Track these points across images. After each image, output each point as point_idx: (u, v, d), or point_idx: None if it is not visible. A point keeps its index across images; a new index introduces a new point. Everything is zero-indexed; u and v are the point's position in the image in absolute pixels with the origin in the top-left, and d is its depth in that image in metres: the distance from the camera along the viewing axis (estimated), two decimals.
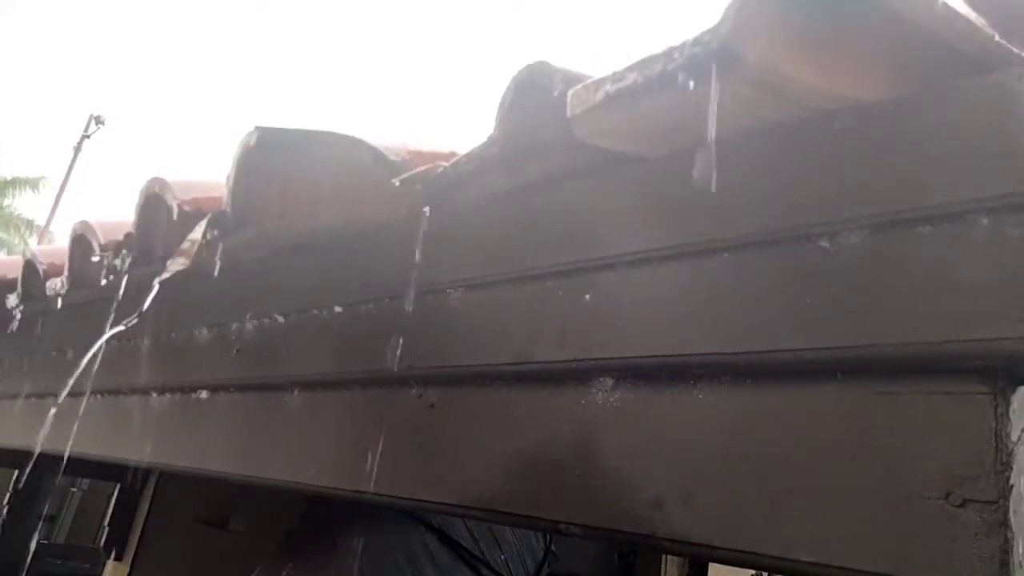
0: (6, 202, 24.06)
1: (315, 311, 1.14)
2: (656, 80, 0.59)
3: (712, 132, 0.62)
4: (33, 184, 24.21)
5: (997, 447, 0.49)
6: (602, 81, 0.63)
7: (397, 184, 0.79)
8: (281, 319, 1.19)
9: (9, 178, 24.53)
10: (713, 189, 0.66)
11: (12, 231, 23.29)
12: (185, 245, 0.93)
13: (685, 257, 0.70)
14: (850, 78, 0.59)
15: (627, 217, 0.76)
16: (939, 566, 0.50)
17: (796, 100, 0.60)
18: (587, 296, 0.78)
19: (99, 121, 22.61)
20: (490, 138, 0.76)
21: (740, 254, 0.67)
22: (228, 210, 0.86)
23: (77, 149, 21.89)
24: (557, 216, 0.81)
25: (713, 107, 0.59)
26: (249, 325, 1.26)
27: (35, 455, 1.52)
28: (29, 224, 23.38)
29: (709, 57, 0.57)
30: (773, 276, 0.65)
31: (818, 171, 0.64)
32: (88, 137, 22.13)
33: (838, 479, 0.57)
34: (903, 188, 0.58)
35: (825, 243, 0.61)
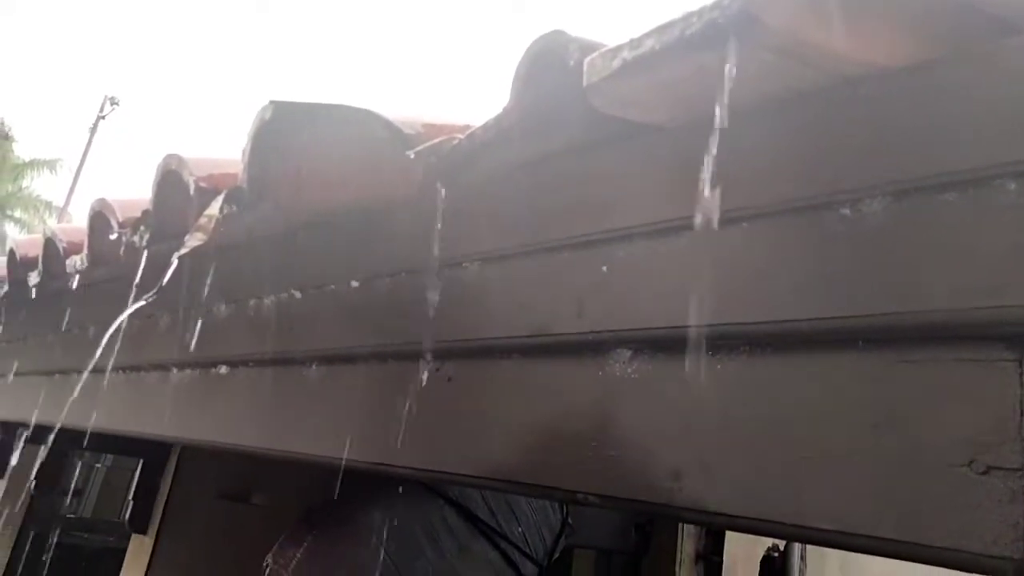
0: (25, 183, 24.29)
1: (332, 286, 1.14)
2: (673, 46, 0.58)
3: (731, 99, 0.61)
4: (51, 165, 24.41)
5: (1022, 414, 0.49)
6: (619, 48, 0.62)
7: (412, 157, 0.79)
8: (298, 294, 1.20)
9: (27, 160, 24.74)
10: (732, 157, 0.65)
11: (32, 212, 23.54)
12: (202, 221, 0.93)
13: (704, 227, 0.69)
14: (873, 43, 0.57)
15: (644, 187, 0.76)
16: (962, 534, 0.50)
17: (818, 66, 0.59)
18: (604, 267, 0.78)
19: (114, 102, 22.70)
20: (505, 109, 0.76)
21: (759, 223, 0.66)
22: (244, 185, 0.86)
23: (93, 130, 22.01)
24: (573, 187, 0.81)
25: (732, 73, 0.58)
26: (267, 300, 1.27)
27: (57, 430, 1.55)
28: (48, 205, 23.62)
29: (728, 21, 0.56)
30: (793, 245, 0.64)
31: (840, 138, 0.63)
32: (103, 118, 22.23)
33: (859, 447, 0.56)
34: (928, 154, 0.57)
35: (847, 211, 0.60)
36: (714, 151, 0.65)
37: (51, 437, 1.58)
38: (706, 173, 0.69)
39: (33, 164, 24.42)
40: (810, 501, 0.58)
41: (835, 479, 0.57)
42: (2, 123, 24.35)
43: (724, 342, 0.67)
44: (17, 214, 23.90)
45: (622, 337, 0.75)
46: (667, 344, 0.72)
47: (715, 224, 0.68)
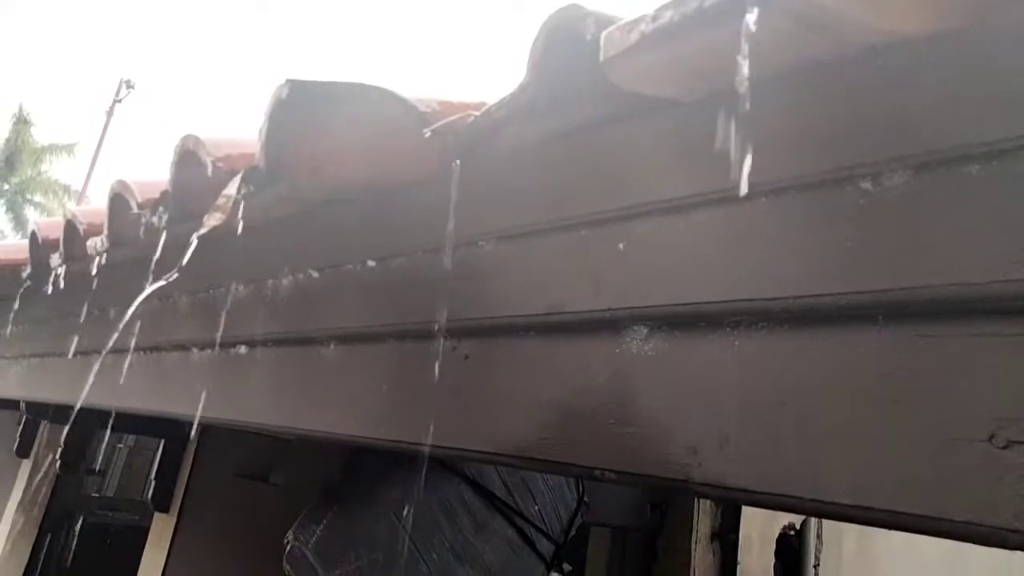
0: (44, 168, 24.52)
1: (349, 266, 1.15)
2: (692, 17, 0.57)
3: (750, 72, 0.60)
4: (68, 150, 24.62)
5: None
6: (637, 22, 0.61)
7: (428, 134, 0.79)
8: (316, 274, 1.21)
9: (46, 144, 24.95)
10: (750, 132, 0.65)
11: (51, 196, 23.78)
12: (220, 200, 0.94)
13: (722, 202, 0.69)
14: (896, 12, 0.56)
15: (662, 164, 0.75)
16: (982, 508, 0.50)
17: (839, 36, 0.58)
18: (621, 245, 0.78)
19: (130, 85, 22.80)
20: (521, 86, 0.75)
21: (778, 198, 0.65)
22: (261, 165, 0.86)
23: (109, 113, 22.13)
24: (590, 164, 0.80)
25: (751, 45, 0.57)
26: (285, 280, 1.28)
27: (79, 410, 1.58)
28: (67, 189, 23.85)
29: None
30: (812, 220, 0.63)
31: (860, 110, 0.62)
32: (119, 101, 22.34)
33: (879, 422, 0.56)
34: (950, 126, 0.56)
35: (867, 184, 0.60)
36: (733, 126, 0.64)
37: (73, 417, 1.60)
38: (724, 148, 0.68)
39: (52, 148, 24.64)
40: (829, 476, 0.58)
41: (854, 454, 0.57)
42: (20, 108, 24.55)
43: (742, 318, 0.66)
44: (37, 198, 24.17)
45: (639, 314, 0.75)
46: (684, 321, 0.71)
47: (733, 200, 0.68)
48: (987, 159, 0.53)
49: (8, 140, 24.38)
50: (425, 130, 0.78)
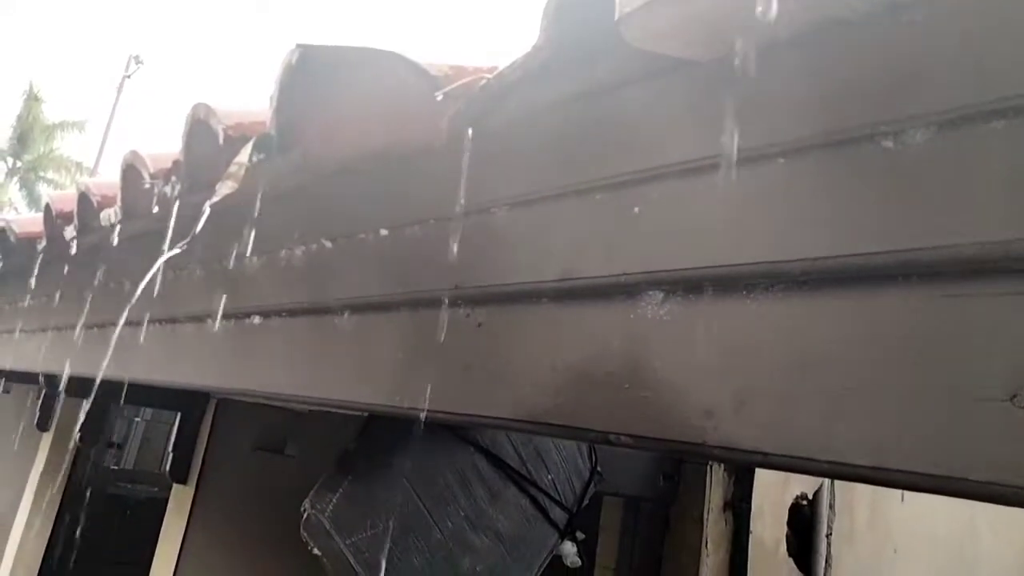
0: (55, 145, 24.61)
1: (362, 235, 1.15)
2: None
3: (769, 29, 0.59)
4: (79, 126, 24.68)
5: None
6: None
7: (439, 98, 0.78)
8: (329, 244, 1.21)
9: (57, 121, 25.01)
10: (768, 91, 0.64)
11: (64, 173, 23.89)
12: (232, 168, 0.94)
13: (739, 164, 0.68)
14: None
15: (677, 125, 0.74)
16: (1002, 467, 0.49)
17: None
18: (636, 209, 0.77)
19: (138, 61, 22.76)
20: (534, 47, 0.74)
21: (797, 158, 0.64)
22: (273, 132, 0.86)
23: (119, 89, 22.12)
24: (604, 127, 0.79)
25: (770, 1, 0.55)
26: (298, 251, 1.28)
27: (98, 382, 1.59)
28: (79, 166, 23.95)
29: None
30: (832, 180, 0.62)
31: (882, 68, 0.60)
32: (129, 77, 22.31)
33: (899, 383, 0.56)
34: (974, 81, 0.55)
35: (889, 143, 0.58)
36: (750, 85, 0.63)
37: (93, 389, 1.62)
38: (742, 109, 0.67)
39: (62, 125, 24.71)
40: (846, 437, 0.58)
41: (872, 415, 0.57)
42: (30, 85, 24.58)
43: (759, 281, 0.66)
44: (50, 175, 24.29)
45: (654, 279, 0.75)
46: (700, 285, 0.71)
47: (751, 161, 0.67)
48: (1013, 114, 0.52)
49: (20, 117, 24.46)
50: (437, 93, 0.77)
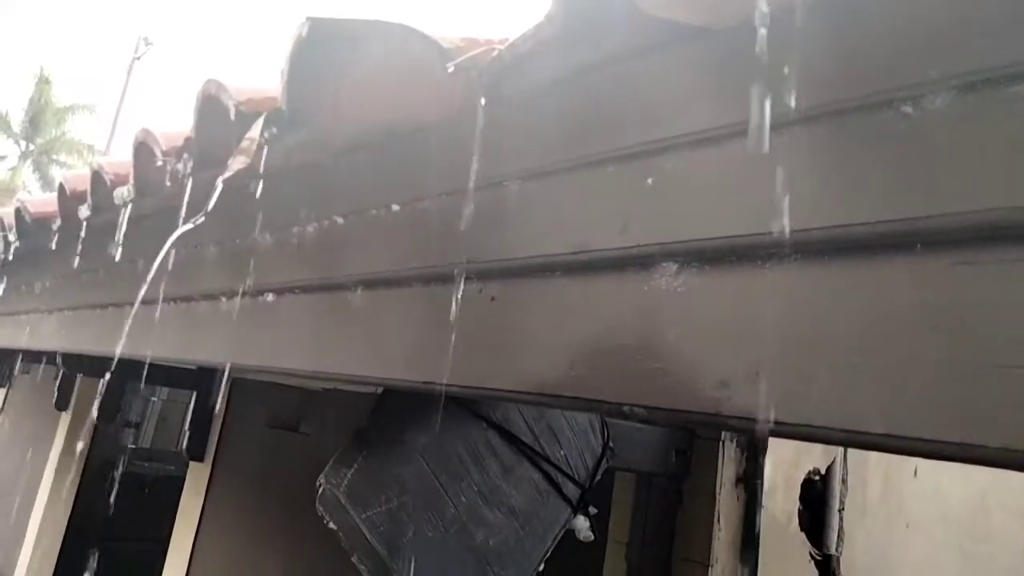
0: (66, 128, 24.71)
1: (373, 211, 1.15)
2: None
3: None
4: (90, 109, 24.74)
5: None
6: None
7: (451, 70, 0.78)
8: (340, 220, 1.21)
9: (67, 104, 25.08)
10: (784, 58, 0.63)
11: (76, 155, 24.01)
12: (244, 144, 0.94)
13: (754, 132, 0.67)
14: None
15: (691, 95, 0.73)
16: (1018, 434, 0.49)
17: None
18: (649, 180, 0.76)
19: (148, 42, 22.74)
20: (547, 16, 0.73)
21: (812, 126, 0.64)
22: (284, 107, 0.85)
23: (129, 71, 22.14)
24: (617, 98, 0.79)
25: None
26: (310, 228, 1.28)
27: (115, 361, 1.61)
28: (91, 148, 24.06)
29: None
30: (848, 147, 0.62)
31: (901, 32, 0.59)
32: (139, 58, 22.32)
33: (914, 351, 0.55)
34: (998, 44, 0.54)
35: (908, 108, 0.58)
36: (766, 52, 0.62)
37: (109, 369, 1.64)
38: (757, 76, 0.66)
39: (73, 108, 24.78)
40: (862, 405, 0.58)
41: (888, 383, 0.56)
42: (41, 69, 24.63)
43: (774, 250, 0.65)
44: (62, 158, 24.42)
45: (668, 250, 0.74)
46: (715, 255, 0.70)
47: (766, 130, 0.66)
48: None
49: (32, 100, 24.54)
50: (448, 65, 0.77)
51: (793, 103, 0.64)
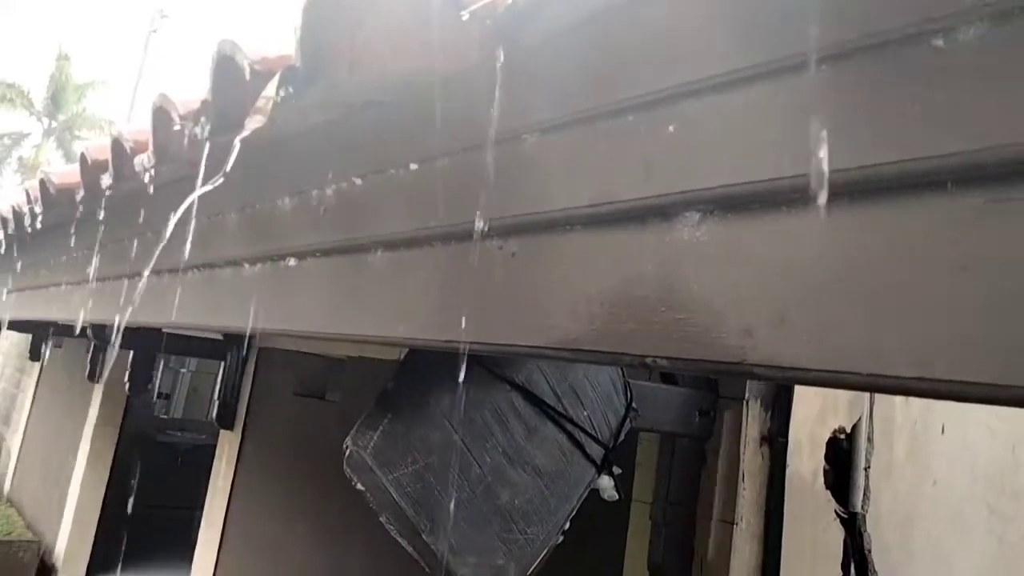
0: (86, 104, 24.89)
1: (392, 170, 1.14)
2: None
3: None
4: (109, 85, 24.86)
5: None
6: None
7: (465, 17, 0.76)
8: (359, 181, 1.20)
9: (87, 81, 25.23)
10: None
11: (97, 131, 24.22)
12: (260, 103, 0.93)
13: (777, 75, 0.66)
14: None
15: (712, 37, 0.71)
16: None
17: None
18: (671, 127, 0.75)
19: (163, 15, 22.73)
20: None
21: (839, 64, 0.62)
22: (298, 64, 0.85)
23: (145, 45, 22.18)
24: (636, 44, 0.77)
25: None
26: (329, 190, 1.28)
27: (141, 333, 1.63)
28: (111, 124, 24.23)
29: None
30: (877, 84, 0.60)
31: None
32: (155, 32, 22.33)
33: (944, 292, 0.54)
34: None
35: (939, 41, 0.55)
36: None
37: (138, 338, 1.66)
38: (780, 14, 0.64)
39: (92, 84, 24.93)
40: (889, 349, 0.57)
41: (917, 325, 0.55)
42: (60, 46, 24.75)
43: (798, 195, 0.64)
44: (83, 134, 24.65)
45: (691, 198, 0.73)
46: (738, 202, 0.69)
47: (791, 70, 0.64)
48: None
49: (52, 77, 24.72)
50: (463, 12, 0.75)
51: (819, 42, 0.62)
